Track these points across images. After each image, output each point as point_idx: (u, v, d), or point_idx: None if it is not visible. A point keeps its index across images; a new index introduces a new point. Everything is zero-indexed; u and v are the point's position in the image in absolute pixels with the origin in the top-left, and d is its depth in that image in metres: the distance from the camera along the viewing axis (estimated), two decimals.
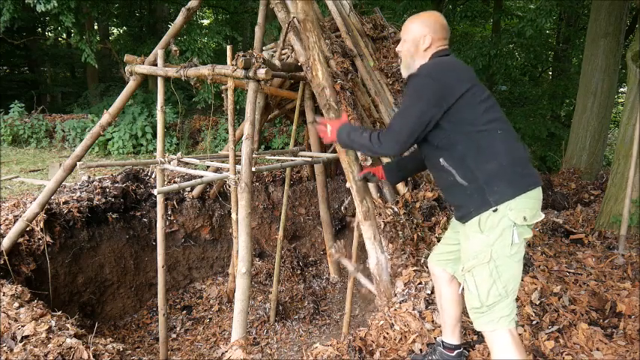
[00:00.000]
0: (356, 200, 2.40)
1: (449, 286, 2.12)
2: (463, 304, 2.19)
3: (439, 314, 2.29)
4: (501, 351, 1.75)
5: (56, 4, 7.56)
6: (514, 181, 1.74)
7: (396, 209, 3.42)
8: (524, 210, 1.72)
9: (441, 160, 1.85)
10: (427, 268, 2.97)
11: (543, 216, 1.82)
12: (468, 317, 2.58)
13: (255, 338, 4.24)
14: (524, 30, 8.65)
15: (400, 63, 2.06)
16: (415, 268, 3.03)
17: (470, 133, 1.77)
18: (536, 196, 1.77)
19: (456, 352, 2.18)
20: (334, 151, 4.68)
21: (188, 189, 5.06)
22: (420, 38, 1.93)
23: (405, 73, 2.03)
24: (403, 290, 2.83)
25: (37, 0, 7.48)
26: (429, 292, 2.75)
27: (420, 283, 2.86)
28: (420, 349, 2.34)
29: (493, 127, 1.78)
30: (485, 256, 1.74)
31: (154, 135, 9.84)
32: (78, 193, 4.41)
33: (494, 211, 1.72)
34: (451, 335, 2.18)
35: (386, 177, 2.38)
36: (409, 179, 3.58)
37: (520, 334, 2.42)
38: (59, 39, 14.82)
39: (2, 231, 3.71)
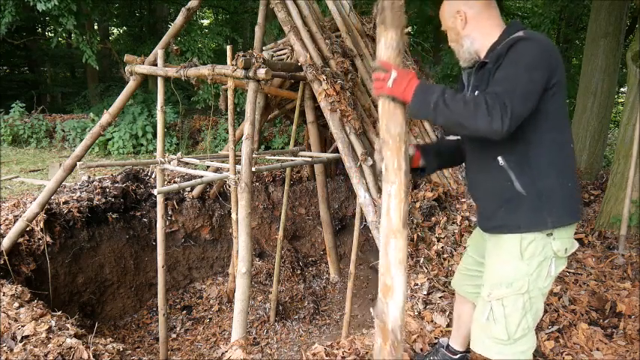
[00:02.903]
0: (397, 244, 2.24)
1: (471, 307, 2.01)
2: None
3: (452, 322, 2.22)
4: None
5: (57, 3, 7.58)
6: (573, 206, 1.54)
7: None
8: (567, 240, 1.55)
9: (500, 158, 1.53)
10: (425, 268, 2.99)
11: (578, 246, 1.63)
12: None
13: (255, 338, 4.24)
14: None
15: (457, 54, 1.67)
16: (413, 268, 3.03)
17: (548, 137, 1.49)
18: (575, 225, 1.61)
19: (458, 355, 2.18)
20: (334, 151, 4.68)
21: (188, 189, 5.06)
22: (450, 19, 1.61)
23: (467, 57, 1.62)
24: None
25: None
26: (425, 292, 2.76)
27: (417, 284, 2.86)
28: (421, 349, 2.34)
29: (567, 139, 1.52)
30: (522, 287, 1.55)
31: (154, 135, 9.84)
32: (78, 193, 4.41)
33: (549, 235, 1.51)
34: (461, 344, 2.15)
35: (422, 163, 1.82)
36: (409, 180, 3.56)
37: None
38: (59, 39, 14.81)
39: (2, 231, 3.71)
